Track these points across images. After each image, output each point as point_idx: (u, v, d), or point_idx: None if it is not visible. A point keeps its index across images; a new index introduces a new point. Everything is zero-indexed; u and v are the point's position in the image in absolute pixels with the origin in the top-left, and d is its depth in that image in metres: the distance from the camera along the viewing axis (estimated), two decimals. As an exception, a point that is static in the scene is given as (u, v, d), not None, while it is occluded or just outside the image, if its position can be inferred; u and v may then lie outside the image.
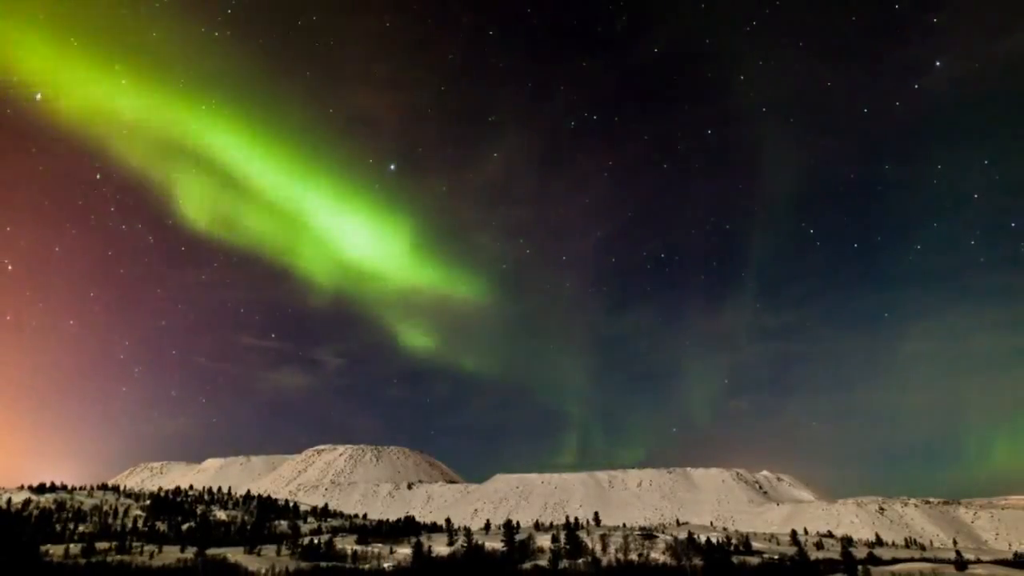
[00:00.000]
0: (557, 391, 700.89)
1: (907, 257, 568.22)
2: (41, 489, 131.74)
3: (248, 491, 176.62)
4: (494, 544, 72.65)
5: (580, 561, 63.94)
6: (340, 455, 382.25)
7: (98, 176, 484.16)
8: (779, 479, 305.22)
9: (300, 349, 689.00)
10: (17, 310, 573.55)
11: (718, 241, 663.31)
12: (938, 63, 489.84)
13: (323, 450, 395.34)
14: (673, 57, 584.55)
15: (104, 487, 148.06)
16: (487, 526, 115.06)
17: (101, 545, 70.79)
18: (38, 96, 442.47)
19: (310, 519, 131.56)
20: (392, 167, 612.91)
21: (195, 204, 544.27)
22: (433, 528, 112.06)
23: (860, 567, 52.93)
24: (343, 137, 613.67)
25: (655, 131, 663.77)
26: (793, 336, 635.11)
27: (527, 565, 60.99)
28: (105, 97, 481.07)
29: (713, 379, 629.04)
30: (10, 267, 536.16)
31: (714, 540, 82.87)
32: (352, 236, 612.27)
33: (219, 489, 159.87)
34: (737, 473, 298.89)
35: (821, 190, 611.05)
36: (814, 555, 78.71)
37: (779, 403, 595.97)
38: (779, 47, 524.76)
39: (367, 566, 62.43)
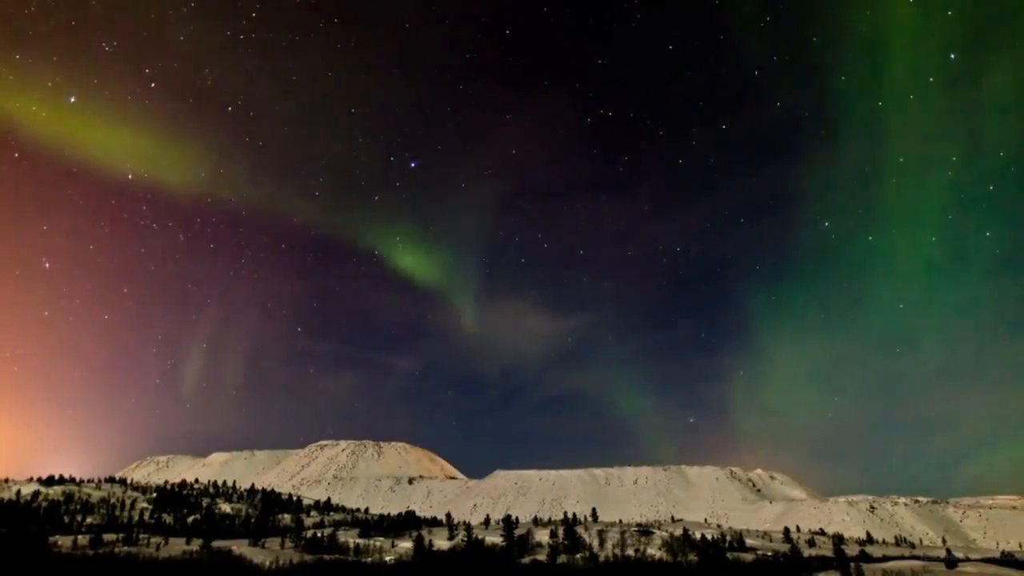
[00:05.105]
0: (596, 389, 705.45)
1: (922, 249, 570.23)
2: (50, 481, 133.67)
3: (252, 485, 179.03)
4: (494, 539, 74.15)
5: (578, 556, 65.38)
6: (342, 450, 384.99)
7: (130, 176, 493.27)
8: (772, 477, 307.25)
9: (325, 343, 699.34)
10: (54, 306, 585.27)
11: (731, 237, 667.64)
12: (952, 56, 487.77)
13: (325, 445, 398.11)
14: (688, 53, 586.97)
15: (111, 480, 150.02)
16: (487, 521, 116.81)
17: (108, 537, 72.28)
18: (72, 99, 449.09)
19: (313, 513, 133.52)
20: (413, 164, 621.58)
21: (224, 202, 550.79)
22: (434, 523, 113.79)
23: (852, 564, 54.11)
24: (364, 135, 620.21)
25: (669, 127, 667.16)
26: (804, 335, 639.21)
27: (526, 560, 62.43)
28: (135, 99, 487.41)
29: (728, 376, 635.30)
30: (47, 264, 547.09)
31: (709, 537, 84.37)
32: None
33: (224, 483, 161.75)
34: (731, 471, 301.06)
35: (837, 183, 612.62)
36: (807, 552, 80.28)
37: (787, 403, 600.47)
38: (793, 42, 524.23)
39: (369, 559, 63.76)
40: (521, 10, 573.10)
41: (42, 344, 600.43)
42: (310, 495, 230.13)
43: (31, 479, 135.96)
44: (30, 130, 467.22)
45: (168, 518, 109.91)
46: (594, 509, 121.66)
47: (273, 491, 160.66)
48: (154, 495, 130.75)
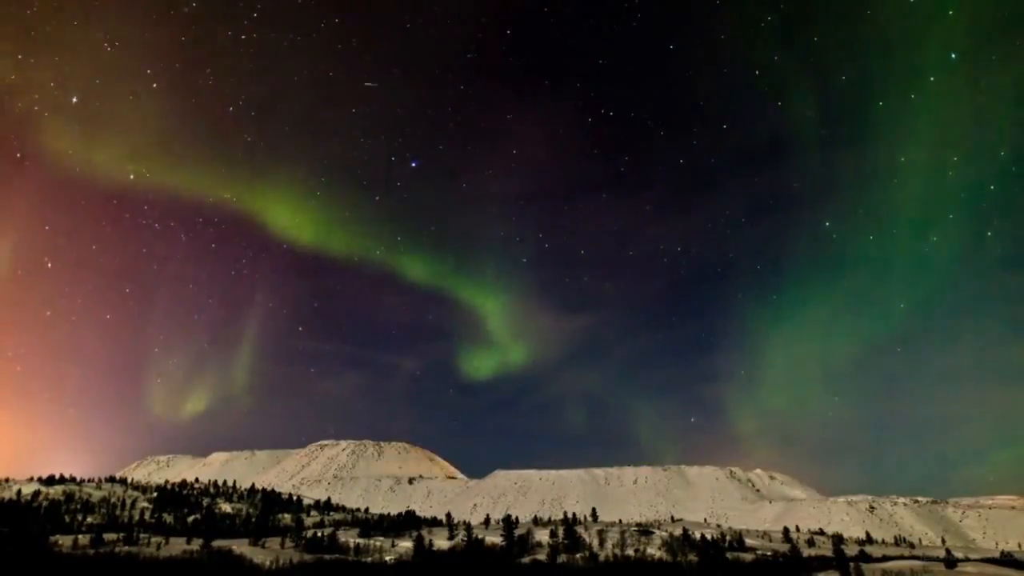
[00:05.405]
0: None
1: (923, 249, 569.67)
2: (50, 481, 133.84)
3: (253, 485, 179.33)
4: (494, 539, 74.24)
5: (578, 556, 65.50)
6: (343, 450, 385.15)
7: (131, 176, 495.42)
8: (772, 477, 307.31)
9: (326, 343, 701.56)
10: (56, 305, 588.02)
11: (731, 237, 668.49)
12: (953, 55, 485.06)
13: (326, 445, 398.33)
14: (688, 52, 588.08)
15: (112, 479, 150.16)
16: (487, 521, 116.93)
17: (109, 536, 72.27)
18: (74, 99, 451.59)
19: (313, 512, 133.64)
20: (415, 164, 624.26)
21: (225, 202, 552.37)
22: (434, 523, 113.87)
23: (852, 564, 54.24)
24: (366, 135, 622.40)
25: (669, 127, 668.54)
26: (804, 335, 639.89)
27: (526, 559, 62.54)
28: (137, 99, 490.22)
29: (728, 376, 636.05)
30: (49, 264, 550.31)
31: (708, 537, 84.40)
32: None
33: (224, 483, 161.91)
34: (731, 471, 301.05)
35: (837, 183, 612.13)
36: (806, 552, 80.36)
37: (787, 403, 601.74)
38: (794, 42, 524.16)
39: (369, 559, 63.89)
40: (522, 10, 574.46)
41: (44, 344, 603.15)
42: (310, 495, 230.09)
43: (32, 478, 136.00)
44: (32, 130, 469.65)
45: (168, 518, 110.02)
46: (594, 509, 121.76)
47: (273, 491, 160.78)
48: (154, 495, 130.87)
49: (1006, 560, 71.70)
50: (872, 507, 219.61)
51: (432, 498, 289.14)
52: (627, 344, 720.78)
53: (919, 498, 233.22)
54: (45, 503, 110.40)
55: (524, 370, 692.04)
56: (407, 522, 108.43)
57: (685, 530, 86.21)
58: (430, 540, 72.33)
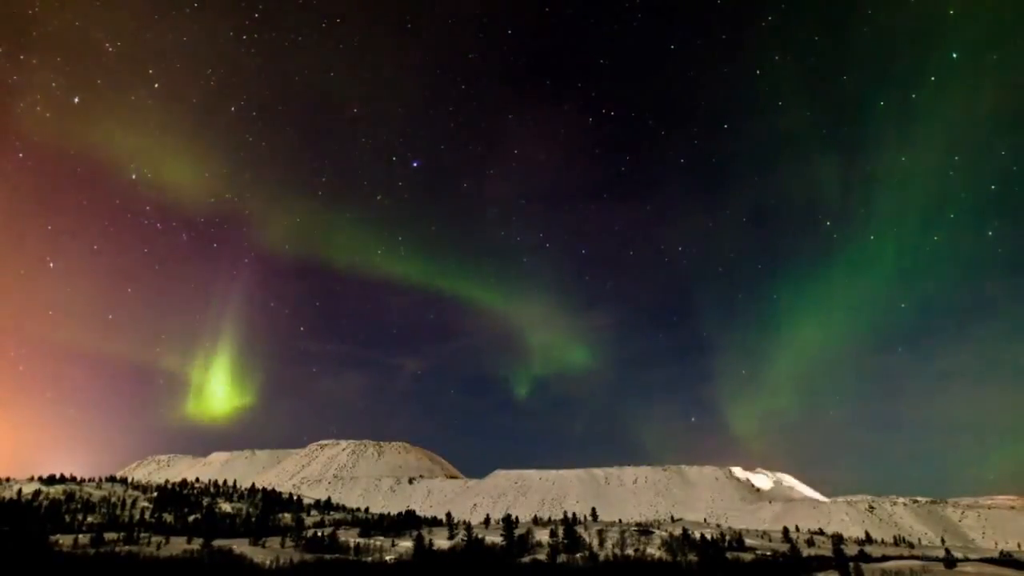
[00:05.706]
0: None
1: (923, 249, 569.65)
2: (51, 480, 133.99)
3: (253, 484, 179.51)
4: (494, 538, 74.33)
5: (578, 555, 65.56)
6: (343, 450, 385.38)
7: (133, 176, 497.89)
8: (771, 477, 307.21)
9: (327, 343, 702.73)
10: (58, 305, 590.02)
11: (731, 237, 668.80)
12: (954, 55, 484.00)
13: (326, 445, 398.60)
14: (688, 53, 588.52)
15: (112, 479, 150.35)
16: (487, 521, 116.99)
17: (109, 536, 72.29)
18: (75, 99, 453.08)
19: (313, 512, 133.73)
20: (415, 164, 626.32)
21: (226, 202, 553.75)
22: (434, 522, 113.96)
23: (851, 564, 54.31)
24: (365, 135, 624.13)
25: (670, 127, 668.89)
26: (805, 335, 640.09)
27: (526, 559, 62.61)
28: (139, 99, 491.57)
29: (729, 376, 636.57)
30: (51, 264, 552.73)
31: (708, 536, 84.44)
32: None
33: (224, 482, 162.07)
34: (731, 471, 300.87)
35: (838, 183, 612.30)
36: (806, 552, 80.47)
37: (788, 403, 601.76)
38: (794, 42, 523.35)
39: (370, 559, 63.98)
40: (522, 10, 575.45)
41: (45, 343, 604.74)
42: (310, 494, 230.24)
43: (32, 478, 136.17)
44: (34, 130, 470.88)
45: (169, 517, 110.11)
46: (594, 509, 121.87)
47: (273, 490, 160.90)
48: (155, 494, 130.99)
49: (1005, 560, 71.74)
50: (872, 507, 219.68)
51: (432, 498, 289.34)
52: (627, 344, 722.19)
53: (918, 498, 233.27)
54: (45, 502, 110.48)
55: (524, 370, 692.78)
56: (407, 522, 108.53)
57: (685, 530, 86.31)
58: (430, 540, 72.40)
